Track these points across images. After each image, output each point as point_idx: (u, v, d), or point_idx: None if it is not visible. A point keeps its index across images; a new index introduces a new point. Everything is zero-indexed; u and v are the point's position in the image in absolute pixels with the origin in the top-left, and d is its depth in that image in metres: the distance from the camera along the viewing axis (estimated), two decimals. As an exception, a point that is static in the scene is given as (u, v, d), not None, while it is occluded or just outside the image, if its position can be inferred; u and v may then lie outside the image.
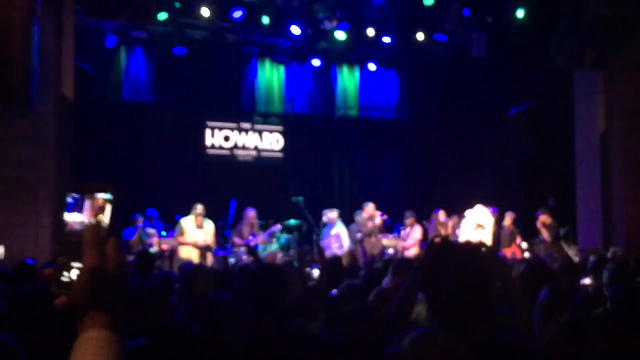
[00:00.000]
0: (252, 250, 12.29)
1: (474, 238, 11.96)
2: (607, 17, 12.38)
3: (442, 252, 2.17)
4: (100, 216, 1.38)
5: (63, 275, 1.32)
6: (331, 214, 12.79)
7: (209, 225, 11.87)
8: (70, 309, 1.31)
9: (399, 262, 6.18)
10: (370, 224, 13.09)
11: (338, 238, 12.62)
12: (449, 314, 2.02)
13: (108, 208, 1.42)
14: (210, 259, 11.57)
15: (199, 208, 11.74)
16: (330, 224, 12.72)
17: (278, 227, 12.95)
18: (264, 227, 13.06)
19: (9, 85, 8.27)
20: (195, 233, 11.61)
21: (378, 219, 13.20)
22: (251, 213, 12.68)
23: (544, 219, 13.33)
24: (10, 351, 2.52)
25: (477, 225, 12.30)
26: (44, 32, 9.28)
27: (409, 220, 13.21)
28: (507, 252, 13.07)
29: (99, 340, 1.27)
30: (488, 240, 12.26)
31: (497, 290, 2.57)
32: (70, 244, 1.35)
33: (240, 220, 12.78)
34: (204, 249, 11.58)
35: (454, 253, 2.11)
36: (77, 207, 1.38)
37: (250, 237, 12.56)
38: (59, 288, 1.32)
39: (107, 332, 1.28)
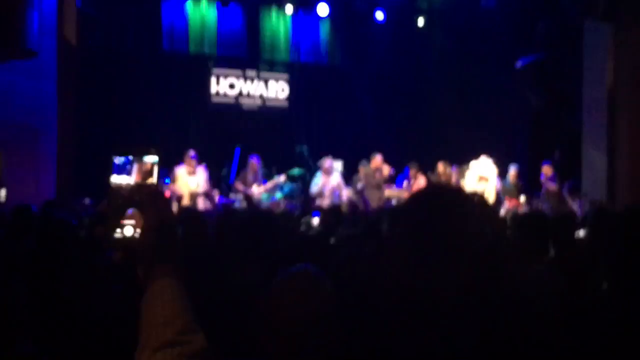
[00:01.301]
0: (248, 198, 12.31)
1: (477, 189, 11.95)
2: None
3: (428, 195, 2.08)
4: (150, 179, 1.49)
5: (116, 232, 1.44)
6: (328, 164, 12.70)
7: (201, 172, 11.89)
8: (126, 263, 1.44)
9: (397, 212, 6.16)
10: (377, 175, 13.04)
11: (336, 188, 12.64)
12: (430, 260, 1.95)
13: (155, 170, 1.51)
14: (201, 205, 11.59)
15: (192, 154, 11.75)
16: (329, 173, 12.64)
17: (282, 177, 12.94)
18: (268, 176, 13.06)
19: (9, 29, 8.21)
20: (187, 180, 11.64)
21: (385, 171, 13.14)
22: (255, 161, 12.66)
23: (547, 170, 13.28)
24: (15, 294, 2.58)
25: (480, 177, 12.24)
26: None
27: (412, 171, 13.14)
28: (510, 204, 13.02)
29: (170, 287, 1.39)
30: (491, 192, 12.23)
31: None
32: (119, 203, 1.47)
33: (244, 168, 12.77)
34: (195, 196, 11.60)
35: (440, 196, 2.02)
36: (125, 169, 1.49)
37: (254, 186, 12.58)
38: (112, 245, 1.45)
39: (175, 279, 1.41)
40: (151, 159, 1.51)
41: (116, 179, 1.48)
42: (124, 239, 1.44)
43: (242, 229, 3.39)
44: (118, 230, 1.44)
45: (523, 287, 2.68)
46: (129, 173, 1.49)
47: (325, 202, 11.78)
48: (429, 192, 2.09)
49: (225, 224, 5.16)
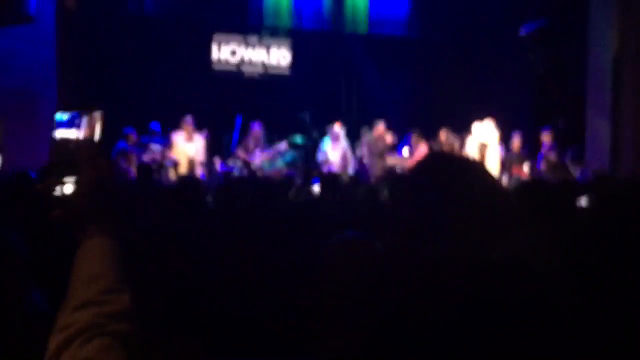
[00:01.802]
0: (247, 165, 12.30)
1: (479, 155, 11.91)
2: None
3: (429, 163, 2.02)
4: (93, 135, 1.44)
5: (55, 190, 1.40)
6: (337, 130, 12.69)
7: (199, 139, 11.90)
8: (64, 221, 1.40)
9: (396, 180, 6.15)
10: (380, 143, 13.00)
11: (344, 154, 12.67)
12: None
13: (99, 126, 1.46)
14: (199, 172, 11.61)
15: (189, 121, 11.75)
16: (337, 139, 12.63)
17: (284, 144, 12.91)
18: (269, 143, 13.04)
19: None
20: (185, 147, 11.65)
21: (388, 138, 13.09)
22: (257, 128, 12.65)
23: (546, 137, 13.23)
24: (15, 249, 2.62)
25: (480, 144, 12.15)
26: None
27: (414, 139, 13.09)
28: (513, 172, 12.97)
29: (102, 246, 1.37)
30: (494, 158, 12.15)
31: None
32: (62, 159, 1.42)
33: (246, 135, 12.74)
34: (193, 162, 11.63)
35: (441, 163, 1.97)
36: (71, 124, 1.44)
37: (257, 152, 12.56)
38: (52, 201, 1.39)
39: (109, 239, 1.38)
40: (96, 114, 1.46)
41: (62, 133, 1.43)
42: (64, 196, 1.39)
43: (240, 196, 3.36)
44: (58, 187, 1.40)
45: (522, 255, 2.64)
46: (76, 127, 1.43)
47: (334, 169, 11.82)
48: (430, 160, 2.04)
49: (224, 192, 5.15)
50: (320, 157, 12.60)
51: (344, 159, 12.72)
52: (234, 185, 3.57)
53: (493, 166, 11.99)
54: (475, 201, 1.83)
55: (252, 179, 4.69)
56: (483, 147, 12.16)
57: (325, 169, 11.91)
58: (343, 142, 12.73)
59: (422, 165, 2.00)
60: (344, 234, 2.30)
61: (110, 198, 1.39)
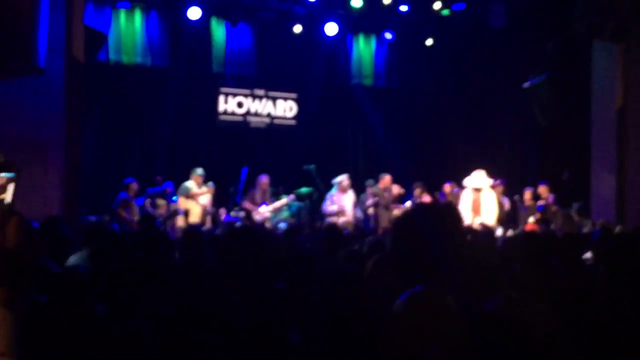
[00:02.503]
0: (248, 215, 12.35)
1: (473, 204, 11.90)
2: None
3: (410, 213, 2.14)
4: (2, 195, 1.43)
5: None
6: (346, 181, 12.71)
7: (207, 190, 12.10)
8: None
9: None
10: (386, 195, 13.04)
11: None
12: (412, 272, 1.96)
13: (11, 187, 1.43)
14: (209, 222, 11.70)
15: (199, 171, 11.92)
16: (345, 190, 12.64)
17: (292, 197, 12.99)
18: (275, 195, 13.09)
19: (17, 45, 8.25)
20: (199, 192, 11.83)
21: (395, 190, 13.15)
22: (264, 179, 12.72)
23: (542, 191, 13.27)
24: None
25: (473, 190, 12.16)
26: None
27: (417, 191, 13.21)
28: (528, 227, 12.92)
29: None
30: (490, 202, 12.10)
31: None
32: None
33: (253, 187, 12.79)
34: (206, 212, 11.74)
35: (420, 213, 2.06)
36: None
37: (263, 204, 12.61)
38: None
39: (3, 309, 1.31)
40: (6, 174, 1.42)
41: None
42: None
43: (228, 243, 3.40)
44: None
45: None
46: None
47: (345, 220, 11.82)
48: (410, 212, 2.22)
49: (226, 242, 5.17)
50: (327, 208, 12.58)
51: (352, 210, 12.75)
52: (236, 236, 3.56)
53: (489, 212, 11.95)
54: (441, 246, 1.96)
55: (254, 230, 4.71)
56: (476, 192, 12.13)
57: (332, 219, 11.90)
58: (351, 194, 12.77)
59: (402, 219, 2.11)
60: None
61: (9, 265, 1.32)
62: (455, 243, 2.01)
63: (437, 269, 1.98)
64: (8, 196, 1.36)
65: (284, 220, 12.48)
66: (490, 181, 12.40)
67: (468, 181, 12.38)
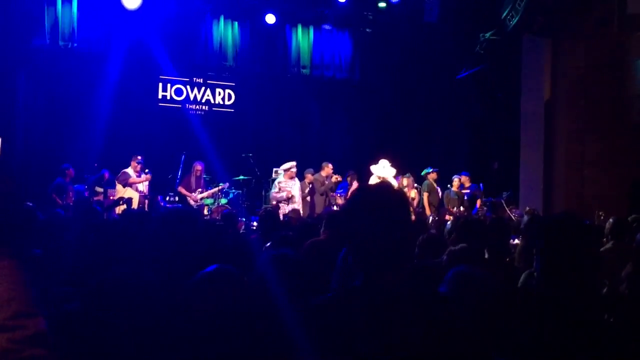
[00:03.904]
0: (182, 200, 12.45)
1: None
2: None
3: (358, 197, 2.18)
4: None
5: None
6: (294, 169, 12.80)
7: (145, 177, 12.13)
8: None
9: (330, 215, 6.34)
10: (326, 183, 13.28)
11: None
12: (370, 261, 2.04)
13: None
14: (145, 207, 11.73)
15: (139, 158, 11.94)
16: (293, 178, 12.73)
17: (227, 184, 13.08)
18: (211, 182, 13.18)
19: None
20: (137, 180, 11.84)
21: (333, 179, 13.42)
22: (198, 166, 12.80)
23: (464, 180, 13.73)
24: None
25: (379, 178, 12.50)
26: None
27: (349, 178, 13.47)
28: (451, 211, 13.33)
29: (11, 269, 1.34)
30: None
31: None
32: None
33: (188, 173, 12.85)
34: (142, 197, 11.74)
35: (370, 195, 2.14)
36: None
37: (199, 190, 12.69)
38: None
39: (12, 261, 1.35)
40: None
41: None
42: None
43: (162, 228, 3.44)
44: None
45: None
46: None
47: (293, 207, 11.90)
48: (359, 193, 2.21)
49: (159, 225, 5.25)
50: (276, 194, 12.60)
51: (300, 196, 12.83)
52: (173, 217, 3.63)
53: None
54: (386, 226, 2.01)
55: (191, 212, 4.78)
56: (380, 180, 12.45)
57: (281, 205, 12.06)
58: (297, 181, 12.85)
59: (350, 201, 2.17)
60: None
61: (10, 222, 1.37)
62: (409, 227, 2.10)
63: (394, 254, 2.06)
64: None
65: (222, 207, 12.57)
66: (394, 171, 12.74)
67: (375, 168, 12.71)
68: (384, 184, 2.22)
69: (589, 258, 2.54)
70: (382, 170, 12.61)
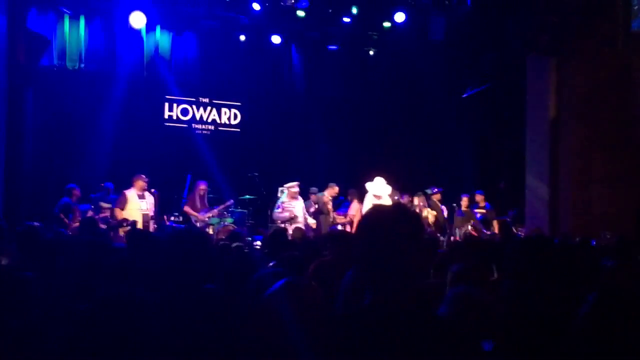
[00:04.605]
0: (187, 220, 12.43)
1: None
2: (561, 5, 12.63)
3: (371, 217, 2.17)
4: None
5: None
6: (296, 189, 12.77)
7: (150, 197, 11.94)
8: None
9: (335, 235, 6.33)
10: (330, 203, 13.27)
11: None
12: (382, 281, 2.02)
13: None
14: (152, 228, 11.60)
15: (143, 179, 11.80)
16: (296, 197, 12.69)
17: (231, 202, 13.09)
18: (216, 201, 13.17)
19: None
20: (139, 202, 11.68)
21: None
22: (201, 185, 12.79)
23: (480, 199, 13.68)
24: None
25: (374, 196, 12.49)
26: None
27: (349, 197, 13.48)
28: (462, 231, 13.29)
29: None
30: None
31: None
32: None
33: (192, 192, 12.85)
34: (146, 218, 11.64)
35: (383, 216, 2.13)
36: None
37: (204, 209, 12.68)
38: None
39: None
40: None
41: None
42: None
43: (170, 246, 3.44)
44: None
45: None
46: None
47: (296, 226, 11.83)
48: (371, 215, 2.20)
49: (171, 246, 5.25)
50: (278, 214, 12.56)
51: (303, 216, 12.80)
52: (181, 238, 3.62)
53: None
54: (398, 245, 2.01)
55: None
56: (377, 199, 12.44)
57: (283, 226, 11.98)
58: (301, 200, 12.80)
59: (362, 223, 2.17)
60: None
61: None
62: (422, 248, 2.10)
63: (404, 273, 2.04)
64: None
65: (228, 226, 12.55)
66: (389, 189, 12.70)
67: (370, 186, 12.68)
68: (399, 205, 2.22)
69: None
70: (378, 188, 12.59)
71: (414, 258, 2.01)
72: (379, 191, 12.55)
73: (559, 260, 2.71)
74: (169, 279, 3.39)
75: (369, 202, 12.46)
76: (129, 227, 11.09)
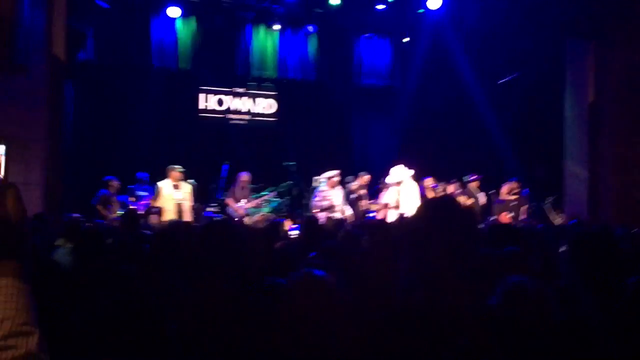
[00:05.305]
0: (224, 210, 12.50)
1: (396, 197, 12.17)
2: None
3: (429, 209, 2.16)
4: None
5: None
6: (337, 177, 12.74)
7: (186, 186, 12.03)
8: None
9: (372, 224, 6.32)
10: (362, 191, 13.24)
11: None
12: (436, 271, 2.01)
13: (2, 161, 1.43)
14: (188, 217, 11.69)
15: (177, 169, 11.89)
16: (335, 186, 12.68)
17: (273, 193, 13.14)
18: (256, 191, 13.21)
19: (-1, 44, 8.35)
20: (172, 192, 11.78)
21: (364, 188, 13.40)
22: (244, 176, 12.79)
23: (514, 186, 13.51)
24: None
25: (396, 184, 12.40)
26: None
27: (381, 186, 13.41)
28: (503, 219, 13.16)
29: (8, 287, 1.33)
30: (409, 194, 12.31)
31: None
32: None
33: (234, 183, 12.89)
34: (181, 208, 11.74)
35: (440, 208, 2.12)
36: None
37: (244, 200, 12.73)
38: None
39: (16, 279, 1.34)
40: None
41: None
42: None
43: (205, 239, 3.46)
44: None
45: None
46: None
47: (338, 215, 11.85)
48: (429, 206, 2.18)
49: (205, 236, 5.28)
50: (317, 202, 12.55)
51: (342, 205, 12.79)
52: (212, 229, 3.64)
53: (408, 203, 12.14)
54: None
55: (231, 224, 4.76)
56: (398, 187, 12.37)
57: (323, 214, 11.97)
58: (340, 189, 12.77)
59: (420, 214, 2.15)
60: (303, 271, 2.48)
61: (17, 237, 1.35)
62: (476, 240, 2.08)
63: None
64: (1, 170, 1.37)
65: (265, 215, 12.62)
66: (411, 172, 12.55)
67: (389, 179, 12.56)
68: (448, 198, 2.23)
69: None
70: (397, 175, 12.49)
71: (467, 250, 2.00)
72: (399, 177, 12.44)
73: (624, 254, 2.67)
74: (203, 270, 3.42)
75: (392, 193, 12.43)
76: (155, 215, 11.30)
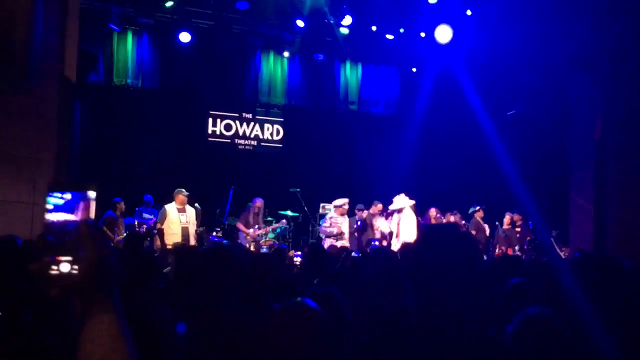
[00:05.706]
0: (227, 235, 12.51)
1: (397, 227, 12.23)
2: (607, 21, 12.49)
3: (430, 235, 2.17)
4: (88, 215, 1.51)
5: (52, 270, 1.41)
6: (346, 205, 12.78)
7: (191, 211, 12.06)
8: (62, 298, 1.42)
9: (377, 253, 6.35)
10: (373, 220, 13.26)
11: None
12: (436, 297, 2.01)
13: (93, 205, 1.52)
14: (192, 241, 11.73)
15: (183, 192, 11.93)
16: (344, 214, 12.70)
17: (284, 222, 13.16)
18: (269, 222, 13.24)
19: (9, 61, 8.42)
20: (177, 216, 11.81)
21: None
22: (259, 203, 12.81)
23: (517, 218, 13.53)
24: None
25: (397, 212, 12.45)
26: (48, 11, 9.41)
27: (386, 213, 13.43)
28: (500, 251, 13.18)
29: (108, 324, 1.38)
30: (407, 222, 12.34)
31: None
32: (56, 240, 1.45)
33: (246, 209, 12.90)
34: (186, 231, 11.77)
35: (442, 235, 2.13)
36: (67, 208, 1.50)
37: (256, 226, 12.75)
38: (48, 282, 1.41)
39: (113, 315, 1.39)
40: (91, 195, 1.51)
41: (57, 217, 1.48)
42: (61, 275, 1.41)
43: (203, 263, 3.48)
44: (54, 266, 1.42)
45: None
46: (70, 210, 1.49)
47: (342, 243, 11.85)
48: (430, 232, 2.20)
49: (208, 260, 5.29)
50: (326, 229, 12.56)
51: (349, 233, 12.81)
52: (210, 254, 3.64)
53: (407, 230, 12.18)
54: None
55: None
56: (399, 215, 12.41)
57: (330, 242, 11.96)
58: (347, 217, 12.80)
59: (421, 239, 2.16)
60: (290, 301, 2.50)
61: (109, 275, 1.41)
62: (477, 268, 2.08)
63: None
64: (91, 214, 1.45)
65: (269, 241, 12.64)
66: (412, 202, 12.59)
67: (391, 206, 12.64)
68: (450, 225, 2.23)
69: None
70: (398, 204, 12.55)
71: (469, 278, 2.00)
72: (400, 205, 12.52)
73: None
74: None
75: (394, 222, 12.51)
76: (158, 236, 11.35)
